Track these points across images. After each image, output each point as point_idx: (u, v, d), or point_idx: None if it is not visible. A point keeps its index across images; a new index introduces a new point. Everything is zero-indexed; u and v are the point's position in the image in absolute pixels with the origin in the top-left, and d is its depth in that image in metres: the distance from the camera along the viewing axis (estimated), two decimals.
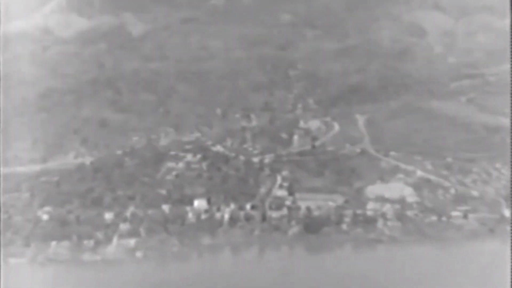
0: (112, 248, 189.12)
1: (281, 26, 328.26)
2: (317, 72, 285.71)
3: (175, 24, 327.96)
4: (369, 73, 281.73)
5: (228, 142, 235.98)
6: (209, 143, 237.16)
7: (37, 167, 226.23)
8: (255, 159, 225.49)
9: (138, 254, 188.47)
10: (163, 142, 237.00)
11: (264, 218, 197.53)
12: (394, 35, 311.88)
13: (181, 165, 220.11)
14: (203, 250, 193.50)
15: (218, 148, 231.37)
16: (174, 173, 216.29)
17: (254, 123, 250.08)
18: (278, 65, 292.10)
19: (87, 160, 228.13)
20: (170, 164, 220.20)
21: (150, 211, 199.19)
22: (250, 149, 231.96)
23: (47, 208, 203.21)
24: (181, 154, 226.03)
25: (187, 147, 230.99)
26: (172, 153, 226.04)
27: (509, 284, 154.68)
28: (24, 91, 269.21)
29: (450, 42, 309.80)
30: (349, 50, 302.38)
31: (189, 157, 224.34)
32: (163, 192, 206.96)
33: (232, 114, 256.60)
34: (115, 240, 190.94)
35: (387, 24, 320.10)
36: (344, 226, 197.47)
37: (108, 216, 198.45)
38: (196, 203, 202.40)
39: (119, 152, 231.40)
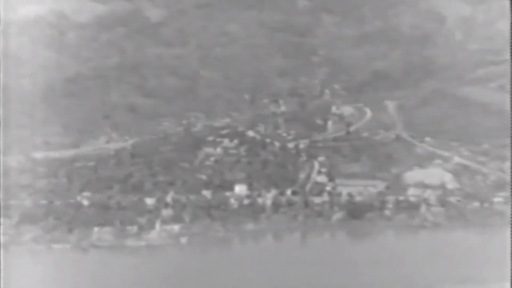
0: (155, 234, 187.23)
1: (299, 12, 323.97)
2: (340, 58, 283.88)
3: (191, 10, 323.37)
4: (392, 59, 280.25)
5: (261, 128, 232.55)
6: (241, 128, 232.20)
7: (69, 152, 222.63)
8: (290, 145, 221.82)
9: (183, 240, 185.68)
10: (196, 127, 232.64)
11: (306, 204, 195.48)
12: (413, 21, 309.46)
13: (219, 150, 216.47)
14: (247, 236, 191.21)
15: (252, 133, 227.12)
16: (212, 158, 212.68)
17: (283, 108, 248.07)
18: (299, 51, 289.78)
19: (120, 145, 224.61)
20: (208, 150, 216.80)
21: (192, 197, 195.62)
22: (284, 134, 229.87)
23: (86, 194, 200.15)
24: (218, 139, 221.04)
25: (223, 132, 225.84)
26: (210, 138, 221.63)
27: None
28: (47, 76, 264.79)
29: (470, 29, 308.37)
30: (369, 36, 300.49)
31: (226, 142, 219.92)
32: (203, 177, 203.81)
33: (259, 99, 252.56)
34: (157, 225, 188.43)
35: (405, 10, 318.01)
36: (387, 212, 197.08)
37: (150, 201, 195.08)
38: (237, 188, 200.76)
39: (153, 137, 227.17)
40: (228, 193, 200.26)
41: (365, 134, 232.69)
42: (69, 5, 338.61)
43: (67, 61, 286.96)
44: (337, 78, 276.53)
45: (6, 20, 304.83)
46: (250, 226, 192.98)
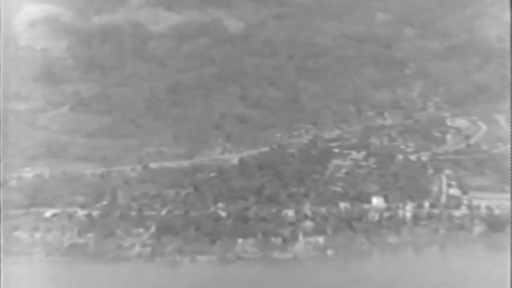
0: (301, 246, 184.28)
1: (378, 24, 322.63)
2: (433, 71, 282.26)
3: (269, 21, 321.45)
4: (488, 71, 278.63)
5: (374, 140, 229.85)
6: (354, 140, 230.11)
7: (186, 163, 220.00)
8: (412, 157, 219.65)
9: (329, 252, 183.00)
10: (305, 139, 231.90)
11: (447, 216, 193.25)
12: (499, 34, 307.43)
13: (348, 162, 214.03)
14: (389, 248, 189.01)
15: (373, 146, 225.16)
16: (343, 170, 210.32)
17: (389, 121, 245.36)
18: (390, 63, 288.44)
19: (235, 156, 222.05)
20: (337, 161, 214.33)
21: (333, 209, 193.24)
22: (403, 147, 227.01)
23: (220, 205, 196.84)
24: (345, 151, 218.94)
25: (346, 143, 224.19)
26: (336, 150, 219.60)
27: None
28: (146, 84, 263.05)
29: None
30: (457, 49, 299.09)
31: (354, 154, 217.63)
32: (338, 189, 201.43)
33: (364, 111, 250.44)
34: (301, 237, 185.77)
35: (488, 24, 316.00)
36: None
37: (289, 213, 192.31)
38: (374, 200, 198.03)
39: (268, 148, 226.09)
40: (366, 205, 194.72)
41: (485, 147, 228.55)
42: (144, 14, 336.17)
43: (158, 70, 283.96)
44: (435, 91, 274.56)
45: (83, 28, 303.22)
46: (392, 238, 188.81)
